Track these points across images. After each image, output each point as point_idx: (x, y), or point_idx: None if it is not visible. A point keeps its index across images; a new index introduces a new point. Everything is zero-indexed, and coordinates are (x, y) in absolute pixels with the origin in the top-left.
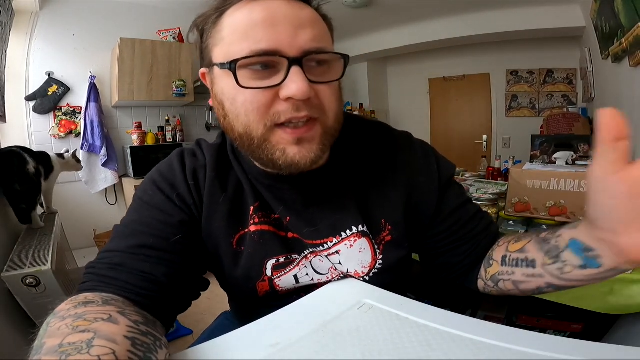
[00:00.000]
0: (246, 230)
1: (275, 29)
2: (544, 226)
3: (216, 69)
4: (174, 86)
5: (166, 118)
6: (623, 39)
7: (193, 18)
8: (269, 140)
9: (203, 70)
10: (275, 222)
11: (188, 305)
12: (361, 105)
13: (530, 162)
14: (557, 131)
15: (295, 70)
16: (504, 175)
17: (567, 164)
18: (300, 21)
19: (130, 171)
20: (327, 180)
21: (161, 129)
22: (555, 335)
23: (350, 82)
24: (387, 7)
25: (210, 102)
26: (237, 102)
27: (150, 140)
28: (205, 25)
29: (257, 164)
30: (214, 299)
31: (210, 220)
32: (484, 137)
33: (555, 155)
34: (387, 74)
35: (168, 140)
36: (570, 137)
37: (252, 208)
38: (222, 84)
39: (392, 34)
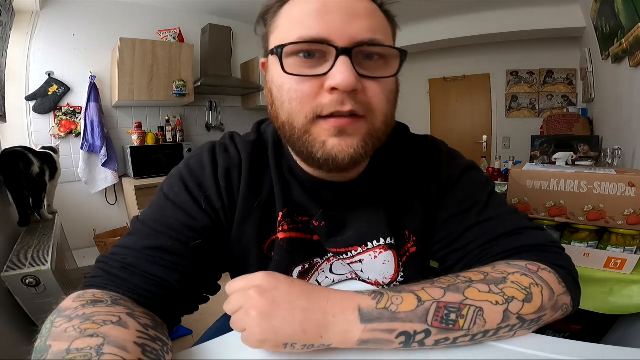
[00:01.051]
0: (276, 237)
1: (327, 18)
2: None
3: (270, 56)
4: (174, 86)
5: (166, 118)
6: (623, 40)
7: (193, 18)
8: (309, 132)
9: (263, 59)
10: (302, 225)
11: (195, 309)
12: None
13: (530, 162)
14: (557, 131)
15: (342, 60)
16: (504, 175)
17: (567, 164)
18: (354, 11)
19: (130, 171)
20: (365, 189)
21: (161, 129)
22: (554, 335)
23: None
24: (386, 7)
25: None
26: (283, 89)
27: (150, 141)
28: (267, 15)
29: (299, 162)
30: (215, 300)
31: (242, 226)
32: (484, 137)
33: (555, 156)
34: None
35: (168, 140)
36: (570, 138)
37: (280, 214)
38: (273, 71)
39: None
